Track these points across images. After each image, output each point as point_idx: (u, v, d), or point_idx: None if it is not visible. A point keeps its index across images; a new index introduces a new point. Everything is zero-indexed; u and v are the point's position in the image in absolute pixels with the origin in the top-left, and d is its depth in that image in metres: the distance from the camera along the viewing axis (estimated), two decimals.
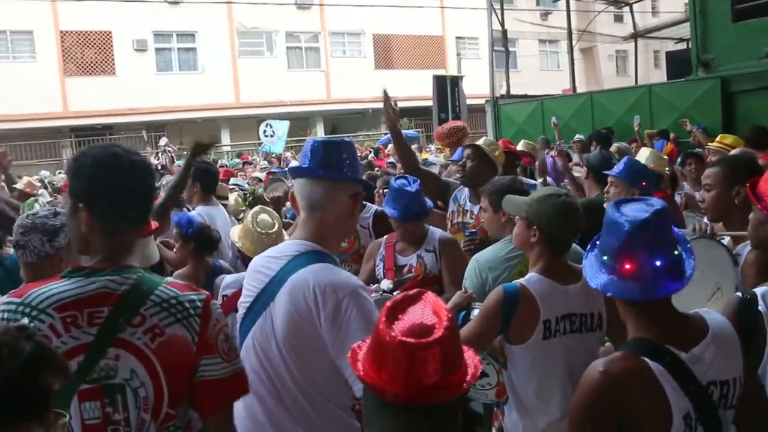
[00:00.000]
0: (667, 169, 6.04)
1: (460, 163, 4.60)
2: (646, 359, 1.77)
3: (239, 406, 2.20)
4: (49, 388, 1.29)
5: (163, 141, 16.84)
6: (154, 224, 3.45)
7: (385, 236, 4.15)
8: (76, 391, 1.72)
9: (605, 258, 1.82)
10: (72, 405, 1.72)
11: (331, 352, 2.04)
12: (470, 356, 1.47)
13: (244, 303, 2.27)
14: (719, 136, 7.68)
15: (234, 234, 3.79)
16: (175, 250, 4.50)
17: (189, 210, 5.71)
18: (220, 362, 1.88)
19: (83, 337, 1.74)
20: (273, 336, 2.13)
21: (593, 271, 1.88)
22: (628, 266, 1.80)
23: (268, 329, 2.14)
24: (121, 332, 1.76)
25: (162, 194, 4.72)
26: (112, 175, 1.82)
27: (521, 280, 2.69)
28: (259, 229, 3.61)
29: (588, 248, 1.96)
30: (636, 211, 1.82)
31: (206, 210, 5.33)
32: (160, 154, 14.62)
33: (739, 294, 2.31)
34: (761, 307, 2.19)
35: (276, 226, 3.66)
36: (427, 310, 1.42)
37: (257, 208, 3.89)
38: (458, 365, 1.40)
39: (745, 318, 2.16)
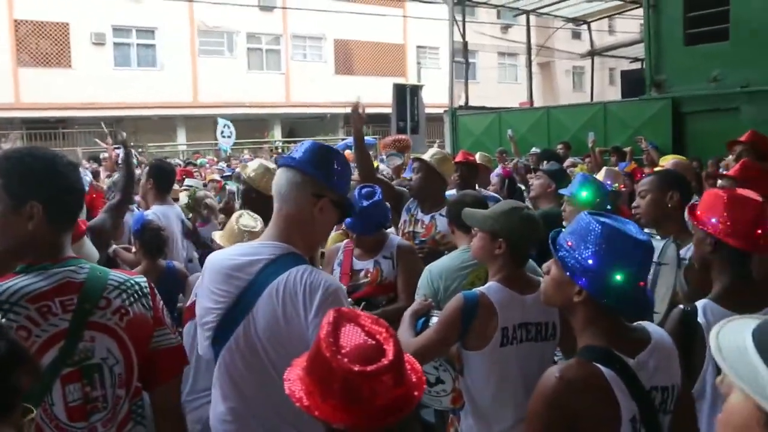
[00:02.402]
0: (623, 186, 6.22)
1: (409, 176, 4.67)
2: (598, 365, 1.86)
3: (221, 410, 2.22)
4: (20, 388, 1.29)
5: (123, 135, 16.49)
6: (83, 223, 3.44)
7: (345, 241, 4.17)
8: (58, 376, 1.84)
9: (619, 276, 1.88)
10: (54, 390, 1.84)
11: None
12: (409, 361, 1.48)
13: (216, 308, 2.21)
14: (662, 158, 7.93)
15: (217, 237, 3.79)
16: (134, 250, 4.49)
17: (133, 210, 5.64)
18: (169, 332, 2.12)
19: (60, 323, 1.85)
20: (258, 339, 2.12)
21: (597, 285, 1.89)
22: (641, 284, 1.93)
23: (252, 333, 2.13)
24: (91, 316, 1.90)
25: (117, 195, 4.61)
26: (64, 175, 1.96)
27: (481, 288, 2.75)
28: (243, 228, 3.62)
29: (572, 260, 1.96)
30: (640, 233, 1.96)
31: (161, 209, 5.21)
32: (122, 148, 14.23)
33: (681, 306, 2.47)
34: (701, 319, 2.35)
35: (258, 226, 3.67)
36: (359, 329, 1.41)
37: (239, 211, 3.90)
38: (405, 379, 1.40)
39: (685, 329, 2.32)
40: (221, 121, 18.57)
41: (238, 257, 2.24)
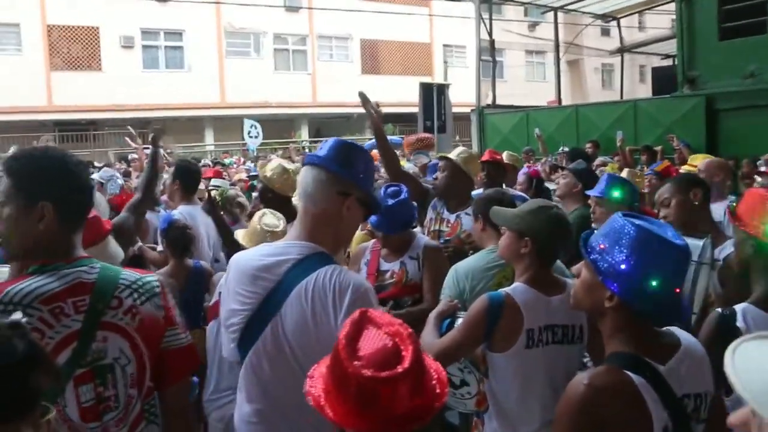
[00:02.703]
0: (648, 186, 6.08)
1: (434, 176, 4.63)
2: (628, 372, 1.79)
3: (247, 411, 2.19)
4: (38, 388, 1.30)
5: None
6: (108, 223, 3.42)
7: (372, 241, 4.13)
8: (71, 377, 1.84)
9: (654, 282, 1.80)
10: (67, 390, 1.84)
11: None
12: (433, 367, 1.42)
13: (242, 309, 2.17)
14: (690, 157, 7.75)
15: (239, 236, 3.78)
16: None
17: (159, 210, 5.63)
18: (179, 332, 2.10)
19: (73, 324, 1.85)
20: (286, 341, 2.09)
21: (630, 290, 1.81)
22: (677, 290, 1.85)
23: (281, 334, 2.10)
24: (103, 316, 1.89)
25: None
26: (75, 174, 1.96)
27: (507, 289, 2.69)
28: (266, 227, 3.60)
29: (605, 264, 1.88)
30: (677, 237, 1.87)
31: (187, 210, 5.20)
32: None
33: (719, 310, 2.37)
34: (740, 323, 2.25)
35: (281, 226, 3.64)
36: (382, 333, 1.35)
37: (262, 210, 3.87)
38: (425, 387, 1.34)
39: (723, 334, 2.21)
40: (248, 122, 18.71)
41: (265, 258, 2.20)
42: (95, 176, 8.35)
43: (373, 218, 3.84)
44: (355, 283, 2.08)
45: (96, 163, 13.87)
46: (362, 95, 4.26)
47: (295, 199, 4.02)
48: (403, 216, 3.84)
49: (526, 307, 2.62)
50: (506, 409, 2.71)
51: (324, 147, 2.24)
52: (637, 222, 1.87)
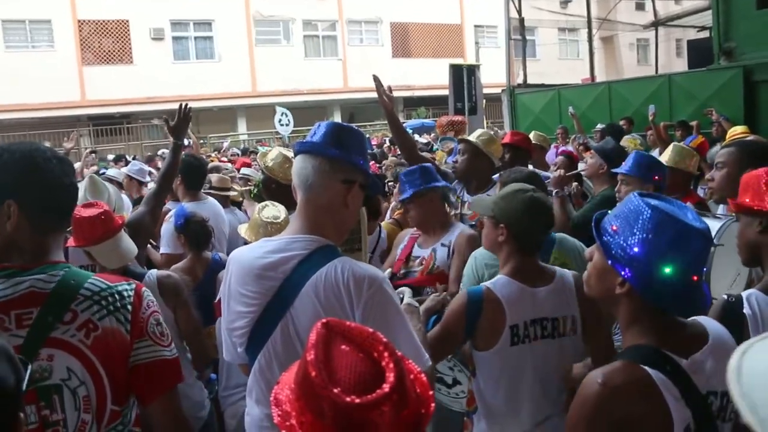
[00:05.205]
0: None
1: (454, 159, 4.57)
2: (646, 368, 1.66)
3: (257, 414, 2.10)
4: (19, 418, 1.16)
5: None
6: (120, 218, 3.35)
7: (413, 229, 4.06)
8: None
9: (668, 269, 1.66)
10: None
11: None
12: (409, 368, 1.24)
13: (248, 311, 2.06)
14: (730, 129, 7.47)
15: (242, 231, 3.72)
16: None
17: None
18: (151, 345, 1.86)
19: (12, 340, 1.67)
20: (298, 340, 1.99)
21: (642, 277, 1.69)
22: (695, 278, 1.71)
23: (292, 334, 2.00)
24: (52, 331, 1.72)
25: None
26: (43, 169, 1.79)
27: (487, 283, 2.57)
28: (266, 220, 3.54)
29: (616, 247, 1.74)
30: (698, 220, 1.72)
31: (191, 207, 4.86)
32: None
33: (725, 296, 2.22)
34: (746, 310, 2.11)
35: (282, 216, 3.57)
36: (351, 348, 1.18)
37: (263, 203, 3.81)
38: (409, 398, 1.17)
39: (728, 321, 2.07)
40: (278, 110, 18.80)
41: (268, 255, 2.09)
42: (124, 170, 8.35)
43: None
44: (370, 275, 1.99)
45: (127, 157, 14.00)
46: (375, 78, 4.20)
47: None
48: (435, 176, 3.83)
49: (508, 302, 2.50)
50: (494, 409, 2.61)
51: (317, 132, 2.13)
52: (653, 202, 1.72)
